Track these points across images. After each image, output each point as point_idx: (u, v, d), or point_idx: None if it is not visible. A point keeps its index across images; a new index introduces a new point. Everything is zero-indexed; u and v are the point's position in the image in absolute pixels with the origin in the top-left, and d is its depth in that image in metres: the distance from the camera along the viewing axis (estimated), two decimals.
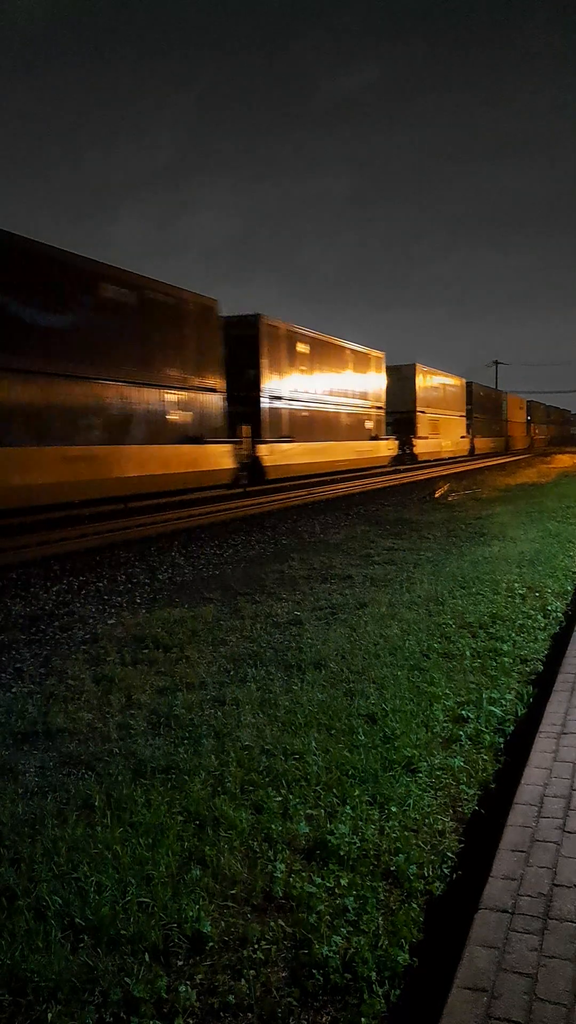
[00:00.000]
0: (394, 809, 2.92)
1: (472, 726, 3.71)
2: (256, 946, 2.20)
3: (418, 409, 29.78)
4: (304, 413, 20.22)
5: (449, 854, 2.66)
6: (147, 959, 2.14)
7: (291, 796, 3.03)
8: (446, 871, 2.56)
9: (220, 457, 14.76)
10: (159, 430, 12.74)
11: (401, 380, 28.85)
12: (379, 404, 26.14)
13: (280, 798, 3.02)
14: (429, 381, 31.45)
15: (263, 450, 17.53)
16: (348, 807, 2.93)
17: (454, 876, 2.54)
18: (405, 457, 29.32)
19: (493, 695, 4.12)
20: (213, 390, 14.67)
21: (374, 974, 2.08)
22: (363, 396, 24.77)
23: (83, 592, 7.51)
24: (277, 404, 18.57)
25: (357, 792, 3.04)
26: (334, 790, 3.08)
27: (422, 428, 30.38)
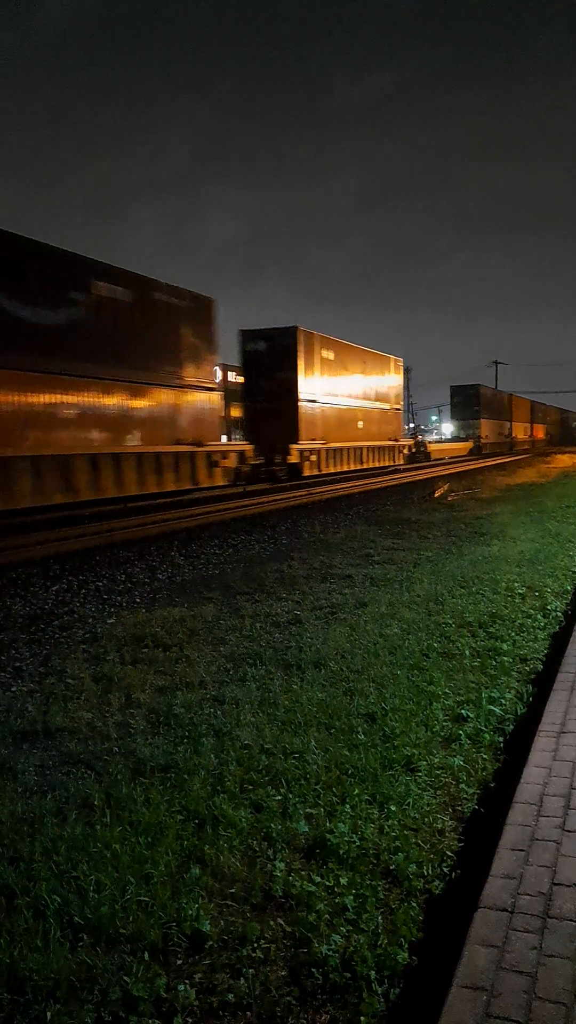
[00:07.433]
0: (394, 808, 2.91)
1: (472, 725, 3.71)
2: (255, 945, 2.20)
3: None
4: (334, 415, 22.09)
5: (448, 853, 2.66)
6: (146, 958, 2.14)
7: (291, 795, 3.03)
8: (445, 870, 2.56)
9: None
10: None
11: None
12: (397, 407, 29.06)
13: (280, 797, 3.02)
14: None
15: (296, 451, 19.35)
16: (348, 806, 2.93)
17: (453, 875, 2.53)
18: (420, 455, 33.63)
19: (493, 694, 4.12)
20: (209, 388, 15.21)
21: (373, 973, 2.07)
22: (384, 399, 27.30)
23: (83, 591, 7.51)
24: (312, 408, 20.40)
25: (357, 791, 3.03)
26: (334, 789, 3.07)
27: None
